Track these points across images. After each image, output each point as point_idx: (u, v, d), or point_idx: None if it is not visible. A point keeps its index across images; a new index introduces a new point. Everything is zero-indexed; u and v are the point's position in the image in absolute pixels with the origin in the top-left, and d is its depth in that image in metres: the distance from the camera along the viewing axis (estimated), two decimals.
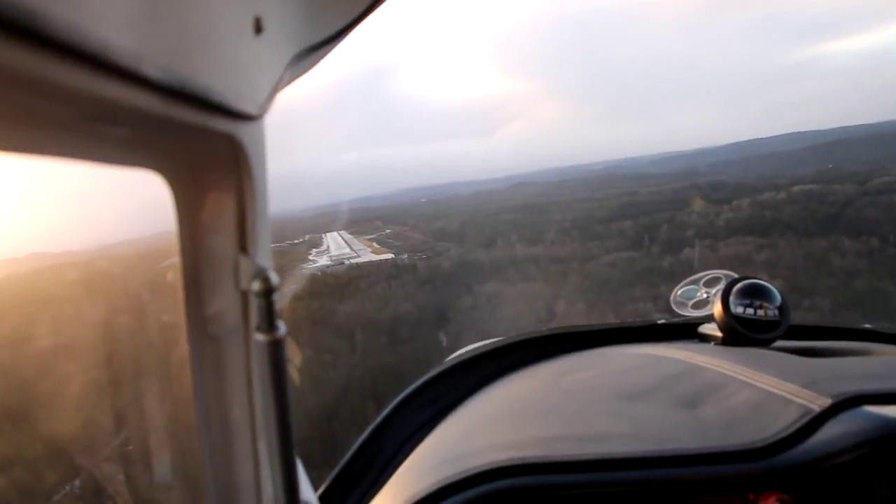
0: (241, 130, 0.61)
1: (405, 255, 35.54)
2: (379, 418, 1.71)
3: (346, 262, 34.03)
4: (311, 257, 35.10)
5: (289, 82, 0.80)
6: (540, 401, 1.58)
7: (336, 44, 0.86)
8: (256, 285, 0.62)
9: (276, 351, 0.63)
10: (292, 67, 0.76)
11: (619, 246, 31.71)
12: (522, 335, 2.06)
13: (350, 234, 42.34)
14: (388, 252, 36.83)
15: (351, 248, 38.02)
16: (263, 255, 0.69)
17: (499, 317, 20.78)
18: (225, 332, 0.69)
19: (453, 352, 2.18)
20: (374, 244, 39.55)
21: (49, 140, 0.47)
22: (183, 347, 0.71)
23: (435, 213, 50.26)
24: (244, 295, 0.68)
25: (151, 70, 0.42)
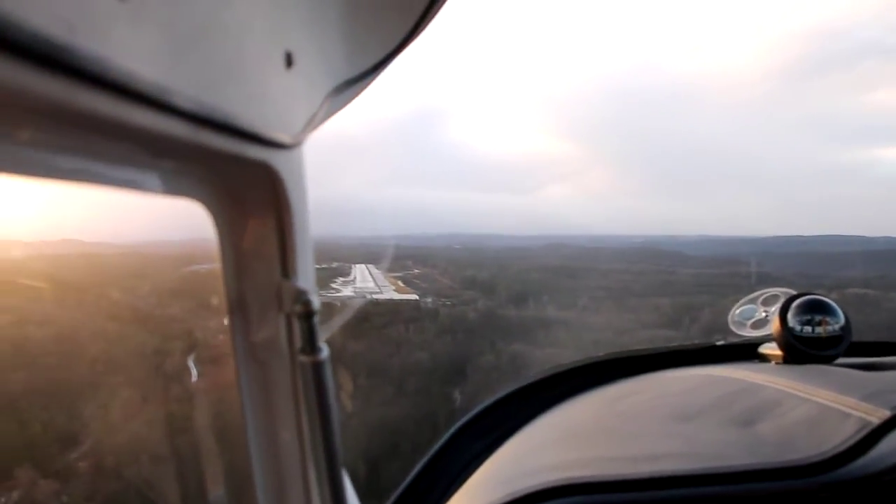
0: (277, 159, 0.64)
1: (429, 299, 33.62)
2: (434, 448, 1.65)
3: (367, 296, 32.21)
4: (334, 285, 33.80)
5: (330, 114, 0.81)
6: (594, 424, 1.54)
7: (374, 77, 0.87)
8: (298, 308, 0.66)
9: (319, 372, 0.67)
10: (331, 99, 0.77)
11: (656, 322, 29.21)
12: (579, 362, 1.97)
13: (377, 269, 41.00)
14: (413, 293, 34.99)
15: (375, 283, 36.34)
16: (305, 278, 0.72)
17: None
18: (270, 355, 0.72)
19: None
20: (399, 283, 37.77)
21: (98, 171, 0.50)
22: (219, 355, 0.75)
23: (467, 262, 49.25)
24: (288, 318, 0.71)
25: (176, 97, 0.44)
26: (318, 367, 0.67)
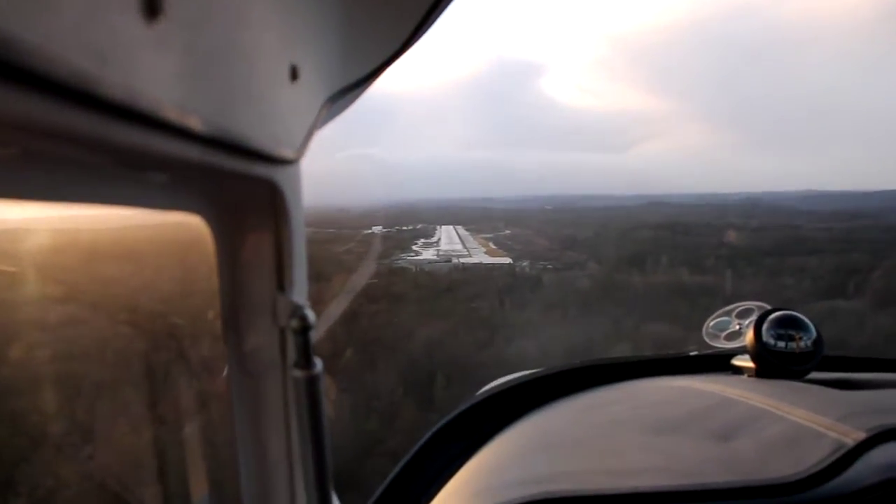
0: (279, 174, 0.63)
1: (525, 263, 26.91)
2: (412, 451, 1.55)
3: (454, 260, 26.13)
4: (415, 247, 28.10)
5: (324, 124, 0.78)
6: (571, 434, 1.45)
7: (369, 84, 0.84)
8: (294, 323, 0.64)
9: (312, 387, 0.64)
10: (327, 109, 0.75)
11: (817, 290, 21.07)
12: (554, 368, 1.87)
13: (466, 230, 34.98)
14: (505, 256, 28.40)
15: (463, 245, 30.44)
16: (300, 292, 0.70)
17: None
18: (263, 368, 0.70)
19: None
20: (490, 244, 31.52)
21: (96, 188, 0.48)
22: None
23: (563, 221, 42.28)
24: (282, 332, 0.69)
25: (195, 122, 0.43)
26: (311, 382, 0.62)
